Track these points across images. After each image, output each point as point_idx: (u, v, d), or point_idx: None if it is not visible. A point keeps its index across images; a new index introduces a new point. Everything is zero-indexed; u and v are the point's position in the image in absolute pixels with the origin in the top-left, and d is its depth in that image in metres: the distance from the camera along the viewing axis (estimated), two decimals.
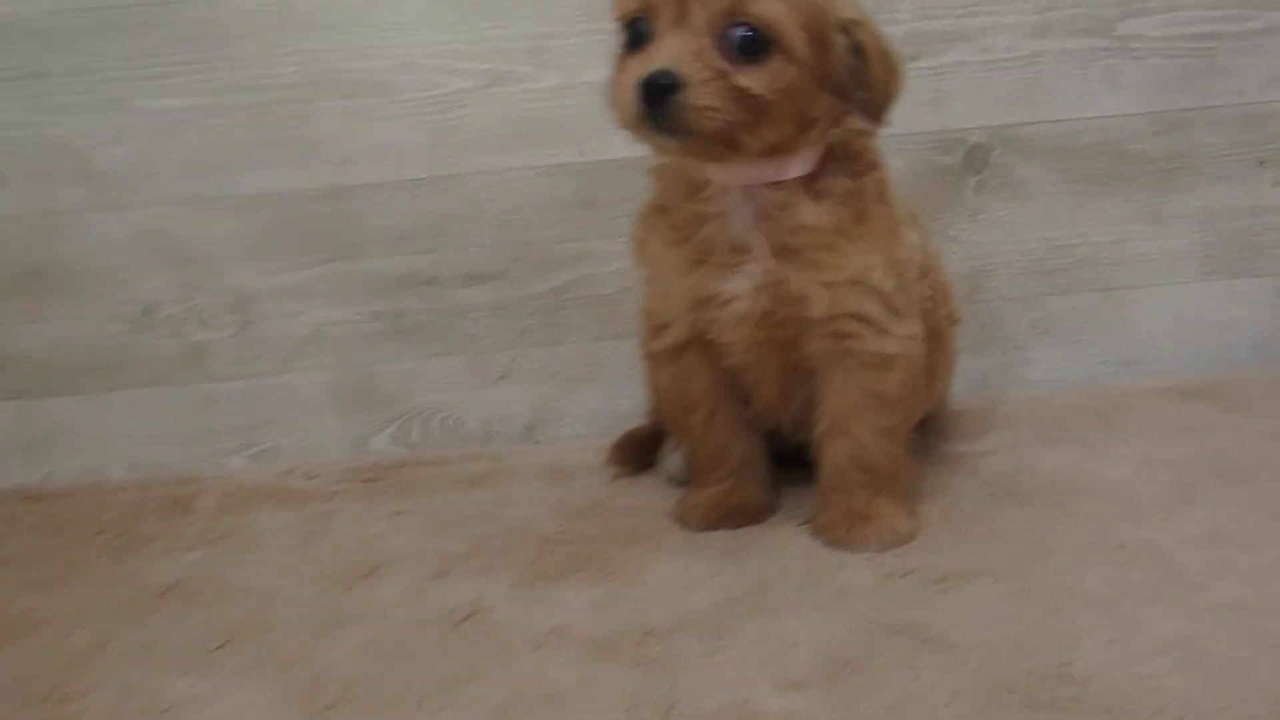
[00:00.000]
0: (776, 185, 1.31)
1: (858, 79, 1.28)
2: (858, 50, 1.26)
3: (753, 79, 1.21)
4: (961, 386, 1.74)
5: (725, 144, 1.23)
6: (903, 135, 1.74)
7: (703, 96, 1.19)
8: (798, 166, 1.31)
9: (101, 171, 1.70)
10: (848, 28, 1.26)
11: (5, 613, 1.36)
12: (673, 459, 1.58)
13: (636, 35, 1.26)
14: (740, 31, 1.21)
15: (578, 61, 1.72)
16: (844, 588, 1.28)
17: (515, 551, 1.43)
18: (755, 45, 1.21)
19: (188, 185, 1.71)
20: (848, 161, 1.33)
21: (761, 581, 1.31)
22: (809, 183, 1.31)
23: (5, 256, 1.71)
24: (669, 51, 1.20)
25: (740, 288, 1.33)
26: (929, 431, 1.63)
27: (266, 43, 1.69)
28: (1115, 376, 1.85)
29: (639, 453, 1.65)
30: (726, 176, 1.31)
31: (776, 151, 1.28)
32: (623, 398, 1.78)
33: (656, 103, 1.20)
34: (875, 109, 1.30)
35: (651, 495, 1.56)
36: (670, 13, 1.22)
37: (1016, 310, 1.84)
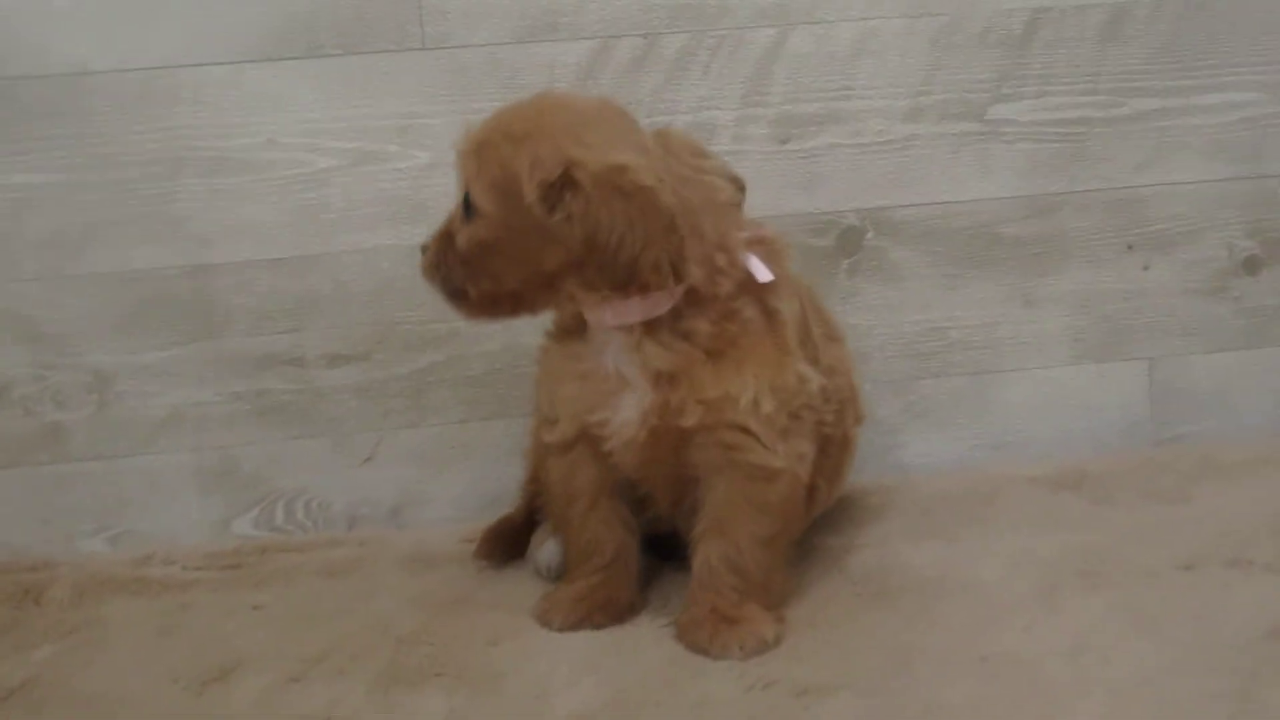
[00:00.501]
0: (645, 324, 1.30)
1: (579, 239, 1.24)
2: (569, 211, 1.24)
3: (460, 237, 1.30)
4: None
5: (452, 295, 1.33)
6: (776, 217, 1.68)
7: (429, 259, 1.34)
8: (651, 309, 1.29)
9: None
10: (548, 184, 1.24)
11: None
12: (544, 550, 1.52)
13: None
14: (464, 198, 1.30)
15: (445, 140, 1.66)
16: (704, 699, 1.24)
17: (373, 653, 1.36)
18: (469, 206, 1.29)
19: (45, 261, 1.64)
20: (703, 307, 1.30)
21: (620, 690, 1.26)
22: (672, 322, 1.30)
23: None
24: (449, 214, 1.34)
25: (623, 416, 1.33)
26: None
27: (128, 118, 1.62)
28: (987, 460, 1.81)
29: (508, 543, 1.59)
30: (593, 317, 1.32)
31: (607, 297, 1.28)
32: (490, 480, 1.72)
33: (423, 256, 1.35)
34: (601, 276, 1.26)
35: (517, 590, 1.50)
36: None
37: (889, 393, 1.80)
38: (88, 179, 1.62)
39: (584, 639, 1.37)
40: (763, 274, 1.32)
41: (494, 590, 1.51)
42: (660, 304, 1.28)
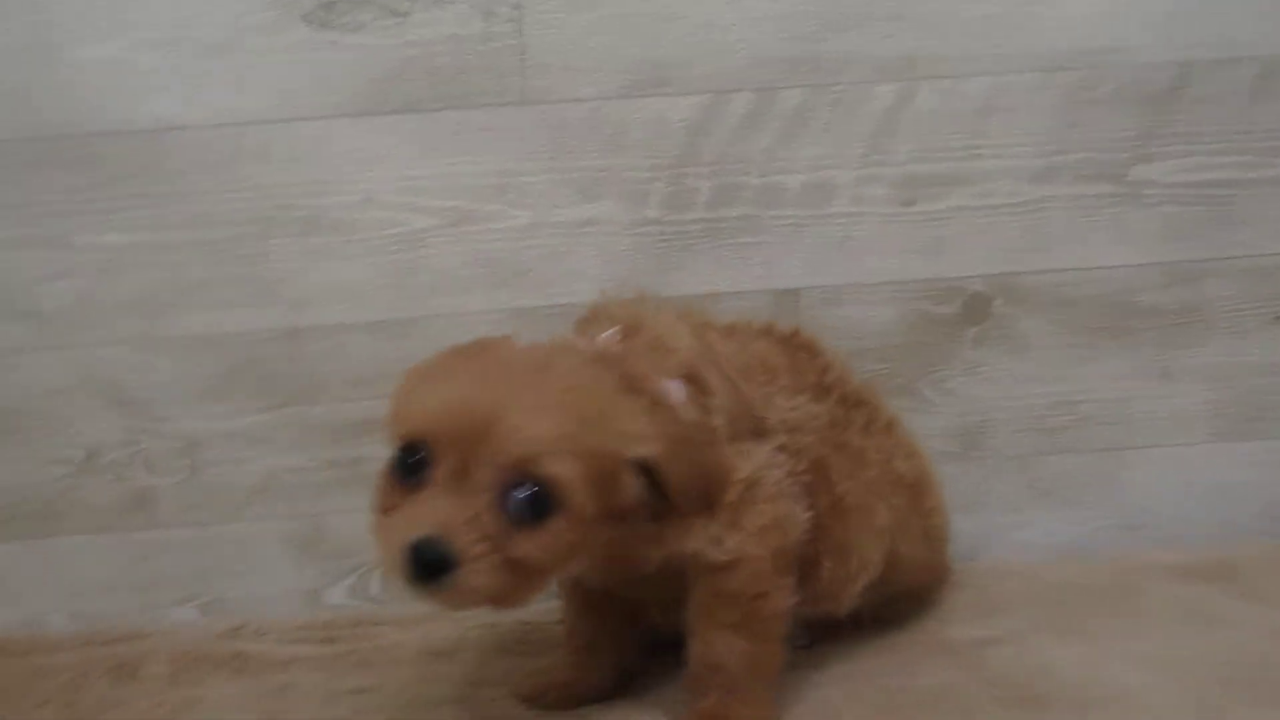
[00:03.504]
0: None
1: (660, 507, 0.99)
2: (654, 484, 0.98)
3: (529, 546, 0.93)
4: (954, 551, 1.41)
5: (500, 605, 0.95)
6: (897, 283, 1.41)
7: (474, 576, 0.91)
8: None
9: (42, 310, 1.38)
10: (641, 462, 0.96)
11: None
12: None
13: (413, 466, 0.95)
14: (523, 492, 0.92)
15: (546, 200, 1.40)
16: None
17: None
18: (537, 507, 0.92)
19: (134, 324, 1.39)
20: None
21: None
22: None
23: None
24: (441, 513, 0.91)
25: None
26: (924, 610, 1.31)
27: (218, 177, 1.36)
28: (1116, 543, 1.49)
29: None
30: None
31: None
32: None
33: (426, 574, 0.90)
34: (696, 510, 1.02)
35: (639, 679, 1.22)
36: (452, 458, 0.92)
37: (1013, 470, 1.49)
38: (177, 239, 1.37)
39: None
40: (678, 393, 1.03)
41: None
42: None
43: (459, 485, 0.92)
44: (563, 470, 0.92)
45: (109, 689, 1.27)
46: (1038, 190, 1.42)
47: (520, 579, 0.94)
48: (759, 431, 1.10)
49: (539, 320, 1.40)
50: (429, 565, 0.90)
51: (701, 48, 1.37)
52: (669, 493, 0.97)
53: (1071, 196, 1.42)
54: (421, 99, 1.36)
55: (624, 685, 1.20)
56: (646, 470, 0.96)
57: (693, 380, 1.05)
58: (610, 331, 1.08)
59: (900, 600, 1.29)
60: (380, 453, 1.33)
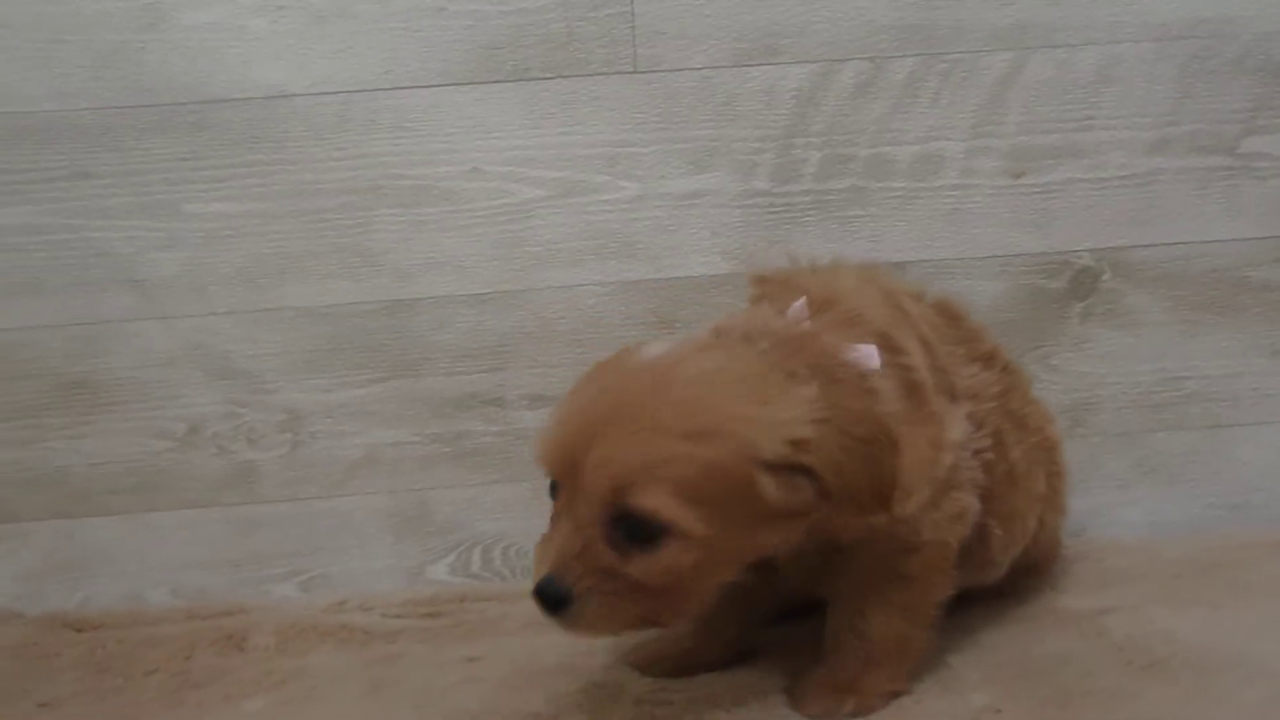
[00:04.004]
0: None
1: (823, 498, 0.92)
2: (809, 474, 0.90)
3: (645, 569, 0.90)
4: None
5: (648, 624, 0.94)
6: (1004, 257, 1.37)
7: (591, 607, 0.91)
8: None
9: (147, 280, 1.35)
10: (783, 463, 0.90)
11: None
12: None
13: (552, 489, 0.96)
14: (621, 523, 0.89)
15: (655, 172, 1.36)
16: None
17: (611, 713, 1.06)
18: (644, 533, 0.89)
19: (239, 295, 1.36)
20: None
21: None
22: None
23: (44, 369, 1.36)
24: (557, 548, 0.91)
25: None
26: (1041, 584, 1.27)
27: (324, 146, 1.33)
28: (1223, 521, 1.45)
29: None
30: None
31: None
32: None
33: (555, 608, 0.91)
34: (865, 507, 0.94)
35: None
36: (568, 488, 0.92)
37: (1119, 447, 1.45)
38: (284, 208, 1.34)
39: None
40: (872, 359, 0.99)
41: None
42: None
43: (573, 517, 0.91)
44: (651, 500, 0.88)
45: (216, 658, 1.24)
46: (1149, 162, 1.38)
47: (653, 600, 0.91)
48: (949, 392, 1.06)
49: (647, 294, 1.36)
50: (553, 601, 0.91)
51: (813, 16, 1.33)
52: (824, 486, 0.91)
53: (1183, 169, 1.38)
54: (531, 68, 1.33)
55: (742, 656, 1.16)
56: (796, 466, 0.90)
57: (886, 344, 1.01)
58: (799, 304, 1.03)
59: (1021, 572, 1.25)
60: (485, 427, 1.32)
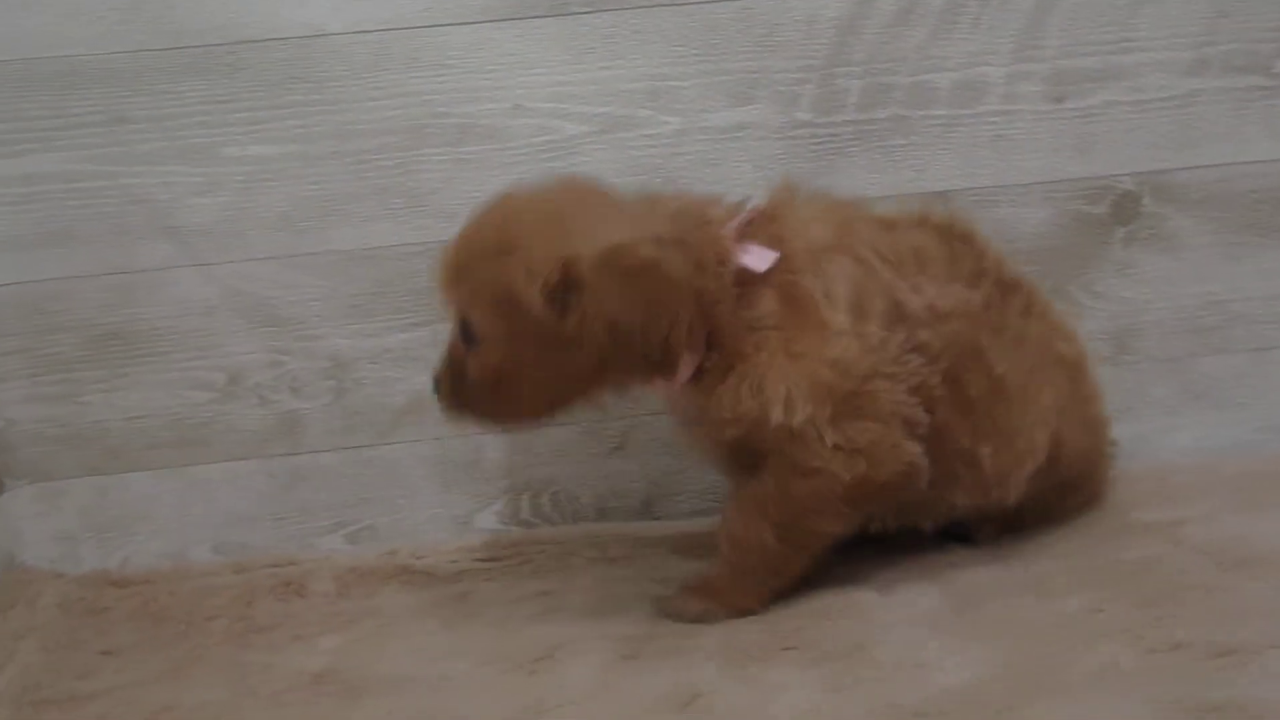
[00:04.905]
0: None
1: (598, 338, 1.02)
2: (579, 314, 1.01)
3: (472, 365, 1.07)
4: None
5: (488, 423, 1.13)
6: (1048, 183, 1.35)
7: (446, 401, 1.10)
8: (690, 366, 1.07)
9: (185, 226, 1.30)
10: (550, 292, 1.01)
11: (143, 706, 0.98)
12: None
13: None
14: (464, 327, 1.06)
15: (697, 105, 1.33)
16: (1105, 665, 0.91)
17: (702, 633, 1.05)
18: (471, 336, 1.06)
19: (279, 240, 1.31)
20: (724, 329, 1.05)
21: (1005, 664, 0.94)
22: (697, 378, 1.07)
23: (80, 320, 1.31)
24: (445, 346, 1.11)
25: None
26: (1101, 504, 1.25)
27: (365, 85, 1.29)
28: (1270, 444, 1.44)
29: None
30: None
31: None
32: None
33: (434, 392, 1.11)
34: (637, 366, 1.05)
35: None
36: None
37: (1165, 372, 1.43)
38: (324, 150, 1.30)
39: (920, 611, 1.06)
40: (761, 262, 1.05)
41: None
42: (695, 359, 1.05)
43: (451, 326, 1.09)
44: (471, 310, 1.04)
45: (277, 604, 1.20)
46: (1187, 84, 1.36)
47: (483, 394, 1.07)
48: (895, 316, 1.06)
49: None
50: (433, 385, 1.10)
51: None
52: (591, 314, 0.99)
53: (1220, 90, 1.37)
54: (571, 2, 1.30)
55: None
56: (566, 284, 1.00)
57: (790, 261, 1.05)
58: (745, 213, 1.09)
59: (1063, 493, 1.23)
60: None
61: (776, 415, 1.02)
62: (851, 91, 1.33)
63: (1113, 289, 1.39)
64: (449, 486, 1.36)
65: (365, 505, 1.36)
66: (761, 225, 1.08)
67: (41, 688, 1.03)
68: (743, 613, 1.09)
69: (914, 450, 1.06)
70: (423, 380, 1.28)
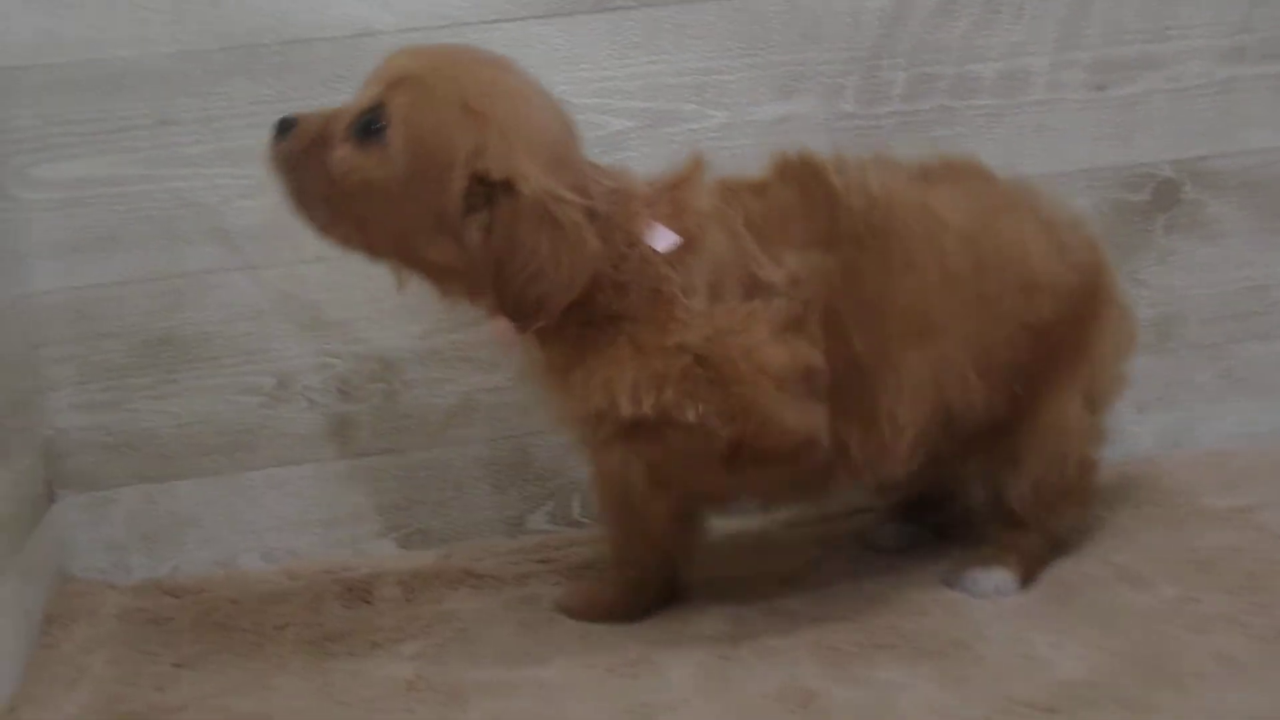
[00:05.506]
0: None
1: (487, 250, 0.96)
2: (490, 218, 0.96)
3: (340, 157, 0.98)
4: (1150, 442, 1.35)
5: (300, 205, 1.01)
6: (1090, 171, 1.35)
7: (289, 150, 0.99)
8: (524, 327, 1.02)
9: (233, 229, 1.28)
10: (482, 179, 0.95)
11: (233, 717, 0.96)
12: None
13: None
14: (368, 114, 0.98)
15: (743, 98, 1.33)
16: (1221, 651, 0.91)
17: (791, 633, 1.03)
18: (366, 129, 0.97)
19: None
20: (582, 310, 1.00)
21: (1120, 654, 0.95)
22: (540, 332, 1.01)
23: (127, 326, 1.28)
24: (324, 110, 1.01)
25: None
26: (1170, 490, 1.25)
27: None
28: None
29: None
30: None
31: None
32: None
33: (278, 137, 1.00)
34: (500, 299, 0.98)
35: (904, 561, 1.18)
36: (363, 87, 1.01)
37: (1206, 359, 1.43)
38: None
39: (1011, 605, 1.05)
40: (664, 241, 1.01)
41: (846, 564, 1.19)
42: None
43: (352, 101, 1.00)
44: (398, 103, 0.96)
45: (345, 611, 1.17)
46: (1225, 71, 1.37)
47: (315, 183, 0.98)
48: (752, 288, 1.01)
49: None
50: (281, 126, 0.99)
51: None
52: (493, 235, 0.95)
53: (1258, 76, 1.38)
54: None
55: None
56: (486, 200, 0.95)
57: (688, 240, 1.01)
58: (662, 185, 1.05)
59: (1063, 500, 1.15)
60: None
61: (625, 407, 0.98)
62: (896, 83, 1.33)
63: (1155, 276, 1.40)
64: (500, 488, 1.34)
65: (416, 508, 1.34)
66: (669, 193, 1.04)
67: (122, 701, 1.00)
68: (602, 606, 1.10)
69: (803, 418, 1.00)
70: (473, 381, 1.27)
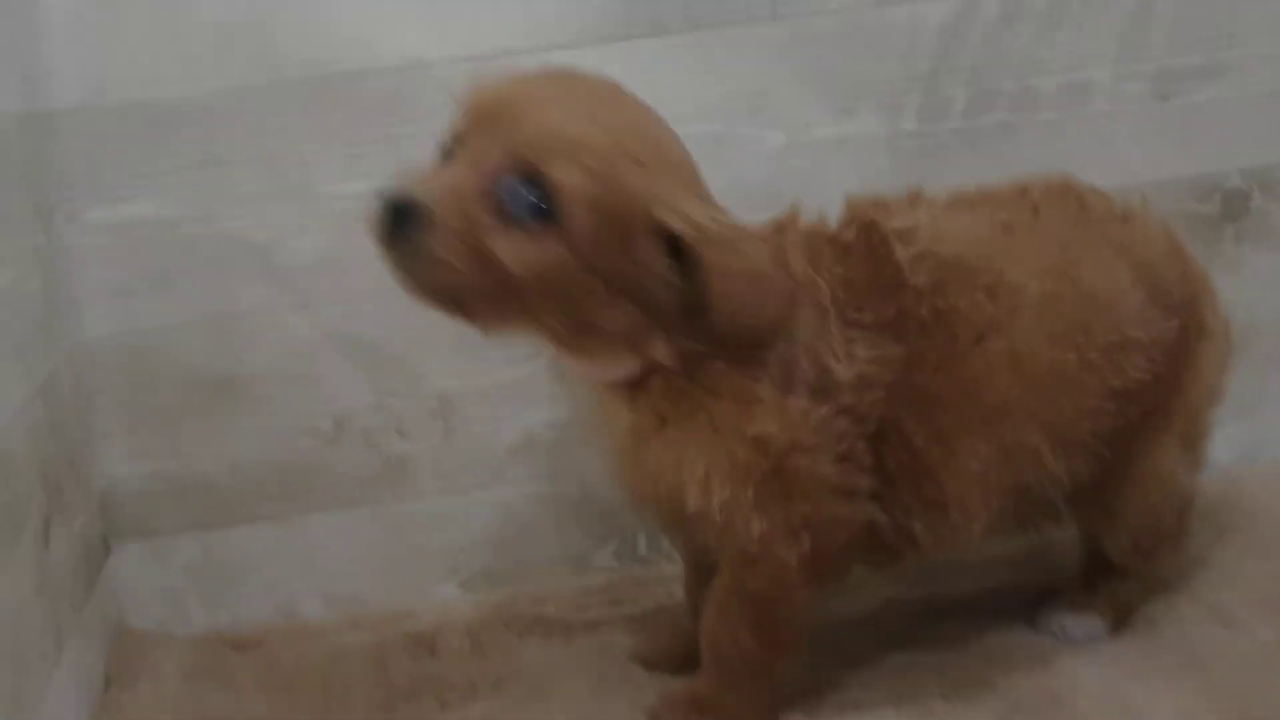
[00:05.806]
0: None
1: (688, 299, 0.86)
2: (685, 266, 0.85)
3: (509, 248, 0.83)
4: (1227, 456, 1.31)
5: (454, 305, 0.87)
6: (1157, 183, 1.31)
7: (440, 245, 0.82)
8: (612, 370, 0.92)
9: (285, 267, 1.25)
10: (670, 236, 0.85)
11: None
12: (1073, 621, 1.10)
13: (449, 149, 0.89)
14: (520, 187, 0.83)
15: (801, 119, 1.30)
16: None
17: (869, 684, 1.01)
18: (531, 209, 0.83)
19: (382, 276, 1.24)
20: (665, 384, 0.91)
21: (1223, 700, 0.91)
22: (630, 389, 0.92)
23: (179, 369, 1.25)
24: (438, 180, 0.85)
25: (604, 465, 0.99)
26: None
27: None
28: None
29: None
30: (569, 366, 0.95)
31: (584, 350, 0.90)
32: None
33: (397, 227, 0.83)
34: (715, 335, 0.87)
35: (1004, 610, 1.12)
36: (472, 142, 0.86)
37: None
38: None
39: (1105, 653, 1.01)
40: None
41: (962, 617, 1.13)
42: (625, 369, 0.92)
43: (472, 163, 0.84)
44: (570, 178, 0.82)
45: (412, 664, 1.13)
46: None
47: (484, 277, 0.84)
48: (820, 389, 0.92)
49: None
50: (401, 214, 0.82)
51: None
52: (703, 281, 0.85)
53: None
54: (670, 21, 1.26)
55: None
56: (677, 252, 0.85)
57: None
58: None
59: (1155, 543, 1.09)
60: None
61: (694, 498, 0.90)
62: (957, 99, 1.30)
63: (1227, 288, 1.33)
64: (562, 526, 1.31)
65: (477, 549, 1.30)
66: (772, 240, 0.96)
67: None
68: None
69: (859, 513, 0.94)
70: (534, 417, 1.23)
